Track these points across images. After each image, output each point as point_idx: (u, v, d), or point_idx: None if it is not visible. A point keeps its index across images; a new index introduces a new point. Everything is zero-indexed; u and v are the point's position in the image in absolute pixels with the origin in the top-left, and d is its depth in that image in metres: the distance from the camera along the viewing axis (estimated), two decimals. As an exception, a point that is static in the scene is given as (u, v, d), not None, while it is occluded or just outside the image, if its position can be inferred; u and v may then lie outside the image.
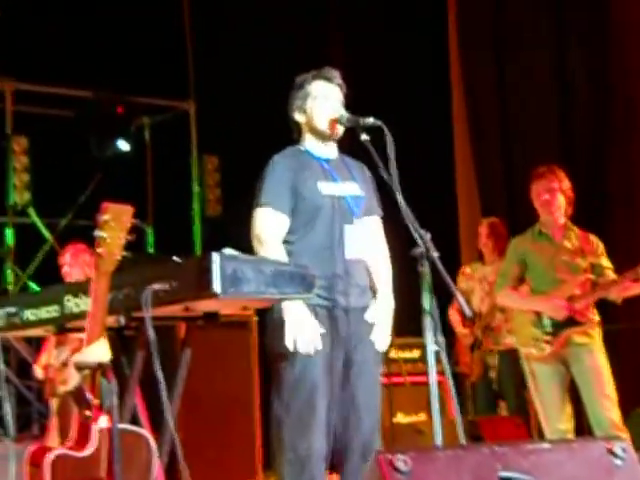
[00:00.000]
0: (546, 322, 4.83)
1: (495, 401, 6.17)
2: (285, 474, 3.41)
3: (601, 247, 4.98)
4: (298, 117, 3.70)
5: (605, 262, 4.94)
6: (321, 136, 3.67)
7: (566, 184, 4.94)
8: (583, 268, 4.88)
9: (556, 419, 4.77)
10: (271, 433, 3.50)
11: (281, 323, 3.42)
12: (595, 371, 4.76)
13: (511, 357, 5.81)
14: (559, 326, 4.79)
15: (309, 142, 3.69)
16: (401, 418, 6.67)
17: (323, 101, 3.64)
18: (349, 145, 3.77)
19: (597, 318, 4.87)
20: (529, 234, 5.05)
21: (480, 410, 6.21)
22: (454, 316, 6.20)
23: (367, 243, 3.64)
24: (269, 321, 3.52)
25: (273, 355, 3.49)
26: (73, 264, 5.26)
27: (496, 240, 6.10)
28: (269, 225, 3.50)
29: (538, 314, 4.86)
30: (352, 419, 3.52)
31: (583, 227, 5.07)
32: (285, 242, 3.55)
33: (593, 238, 5.00)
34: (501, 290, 5.05)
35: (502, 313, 5.87)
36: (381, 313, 3.62)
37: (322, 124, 3.64)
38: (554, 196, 4.91)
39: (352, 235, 3.57)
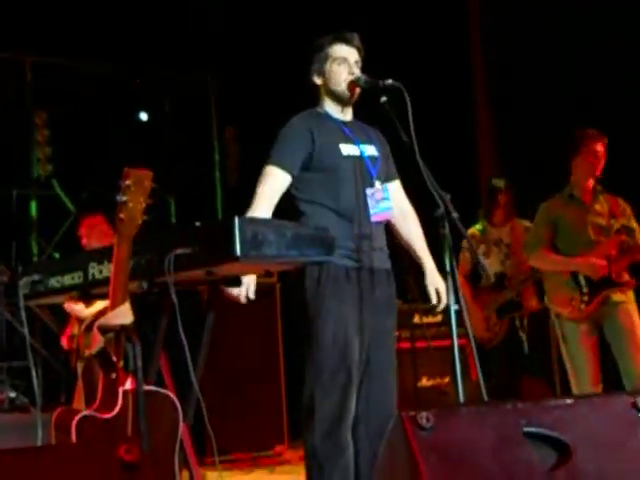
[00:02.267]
0: (583, 282, 4.85)
1: (515, 364, 6.14)
2: (315, 436, 3.40)
3: (629, 209, 5.00)
4: (317, 79, 3.68)
5: (634, 224, 4.96)
6: (339, 99, 3.66)
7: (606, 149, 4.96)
8: (615, 230, 4.89)
9: (585, 381, 4.79)
10: (303, 394, 3.48)
11: (314, 285, 3.43)
12: (629, 327, 4.80)
13: (537, 320, 5.83)
14: (596, 286, 4.81)
15: (327, 105, 3.69)
16: (425, 382, 6.70)
17: (342, 63, 3.63)
18: (364, 110, 3.76)
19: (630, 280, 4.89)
20: (559, 198, 5.07)
21: (499, 373, 6.20)
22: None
23: (389, 206, 3.63)
24: (299, 284, 3.48)
25: (307, 317, 3.47)
26: (90, 235, 5.31)
27: (512, 203, 6.08)
28: (269, 183, 3.50)
29: (574, 274, 4.87)
30: (371, 389, 3.53)
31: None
32: (308, 202, 3.55)
33: (621, 201, 5.01)
34: (534, 252, 5.06)
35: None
36: (436, 275, 3.68)
37: (340, 86, 3.63)
38: (599, 161, 4.93)
39: (373, 197, 3.57)
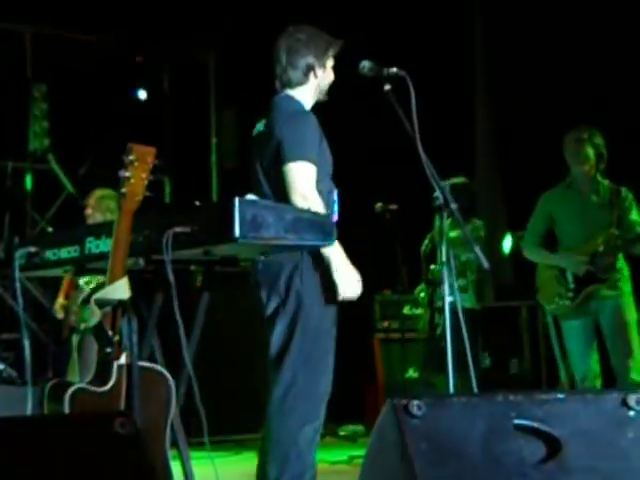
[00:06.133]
0: (570, 278, 4.84)
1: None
2: (297, 421, 3.45)
3: (630, 199, 4.93)
4: (318, 71, 3.66)
5: (635, 216, 4.90)
6: (317, 98, 3.70)
7: (598, 139, 4.93)
8: (608, 222, 4.87)
9: (582, 377, 4.80)
10: (278, 382, 3.52)
11: (320, 273, 3.44)
12: (617, 322, 4.79)
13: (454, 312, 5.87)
14: (582, 282, 4.80)
15: (307, 100, 3.68)
16: (412, 373, 6.72)
17: (331, 70, 3.71)
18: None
19: (626, 272, 4.87)
20: (559, 188, 5.06)
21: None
22: None
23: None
24: (295, 271, 3.49)
25: (302, 304, 3.48)
26: (97, 208, 5.32)
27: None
28: (312, 183, 3.45)
29: (562, 270, 4.87)
30: None
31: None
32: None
33: (624, 191, 4.95)
34: (527, 245, 5.08)
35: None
36: None
37: (325, 90, 3.70)
38: (581, 146, 4.91)
39: (332, 197, 3.64)
